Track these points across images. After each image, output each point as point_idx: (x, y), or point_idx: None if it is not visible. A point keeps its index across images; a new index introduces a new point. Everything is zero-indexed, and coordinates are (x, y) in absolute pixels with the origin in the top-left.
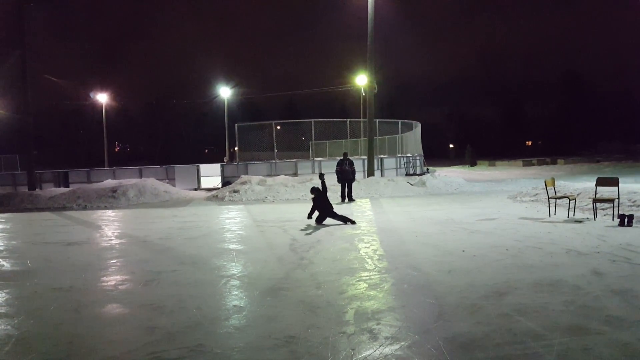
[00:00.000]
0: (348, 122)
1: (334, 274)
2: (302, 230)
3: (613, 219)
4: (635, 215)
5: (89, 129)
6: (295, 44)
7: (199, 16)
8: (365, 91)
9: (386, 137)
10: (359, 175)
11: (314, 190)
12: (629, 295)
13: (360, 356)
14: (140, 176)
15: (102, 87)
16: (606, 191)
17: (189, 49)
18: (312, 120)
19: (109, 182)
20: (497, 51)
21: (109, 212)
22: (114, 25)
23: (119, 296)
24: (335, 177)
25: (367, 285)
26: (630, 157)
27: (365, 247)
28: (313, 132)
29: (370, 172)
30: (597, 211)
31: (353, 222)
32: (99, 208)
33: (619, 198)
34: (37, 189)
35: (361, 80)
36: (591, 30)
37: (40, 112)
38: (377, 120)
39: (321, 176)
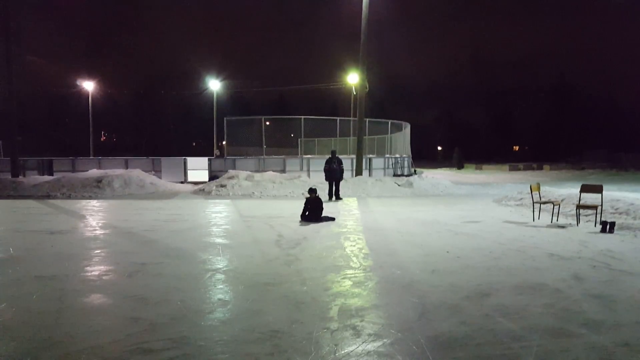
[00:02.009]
0: (338, 121)
1: (319, 271)
2: (288, 226)
3: (595, 225)
4: (617, 223)
5: (75, 117)
6: (288, 40)
7: (191, 7)
8: (356, 90)
9: (375, 137)
10: (346, 174)
11: (312, 190)
12: (608, 300)
13: (343, 352)
14: (126, 167)
15: (90, 74)
16: (590, 198)
17: (180, 40)
18: (302, 117)
19: (94, 172)
20: (488, 55)
21: (94, 202)
22: (103, 13)
23: (103, 286)
24: (322, 175)
25: (351, 283)
26: (614, 166)
27: (351, 245)
28: (302, 129)
29: (359, 172)
30: (580, 217)
31: (332, 219)
32: (83, 197)
33: (602, 205)
34: (20, 176)
35: (353, 79)
36: (581, 39)
37: (25, 98)
38: (367, 119)
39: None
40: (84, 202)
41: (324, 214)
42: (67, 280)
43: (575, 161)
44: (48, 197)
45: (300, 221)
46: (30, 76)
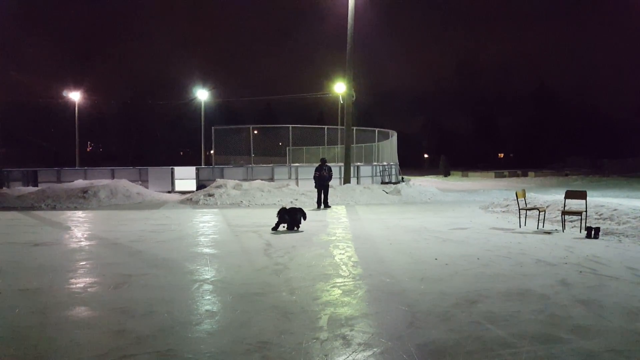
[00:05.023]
0: (326, 129)
1: (309, 280)
2: (277, 235)
3: (580, 231)
4: (601, 228)
5: (61, 127)
6: (275, 49)
7: (179, 17)
8: (343, 99)
9: (363, 145)
10: (335, 182)
11: (293, 211)
12: (595, 306)
13: None
14: (113, 177)
15: (76, 84)
16: (574, 204)
17: (167, 50)
18: (290, 125)
19: (80, 183)
20: (473, 64)
21: (79, 213)
22: (90, 23)
23: (88, 299)
24: (311, 182)
25: (341, 292)
26: (597, 172)
27: (340, 253)
28: (290, 137)
29: (347, 179)
30: (566, 223)
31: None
32: (68, 209)
33: (586, 211)
34: (4, 188)
35: (340, 88)
36: (563, 47)
37: (9, 108)
38: (355, 128)
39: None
40: (69, 213)
41: (310, 220)
42: (52, 293)
43: (559, 167)
44: (32, 208)
45: (285, 230)
46: (15, 86)
